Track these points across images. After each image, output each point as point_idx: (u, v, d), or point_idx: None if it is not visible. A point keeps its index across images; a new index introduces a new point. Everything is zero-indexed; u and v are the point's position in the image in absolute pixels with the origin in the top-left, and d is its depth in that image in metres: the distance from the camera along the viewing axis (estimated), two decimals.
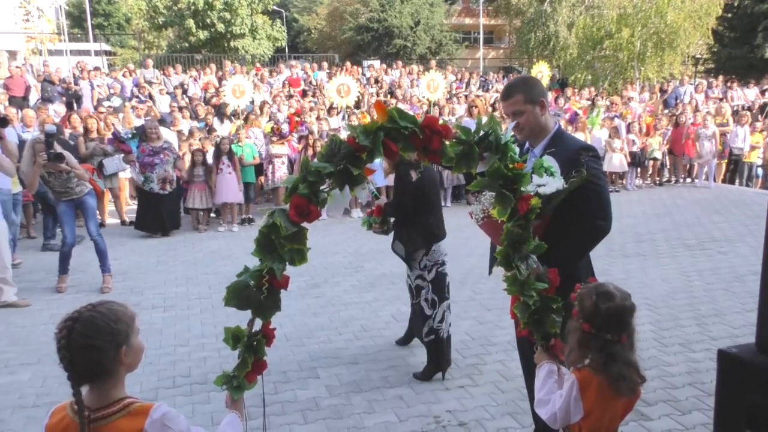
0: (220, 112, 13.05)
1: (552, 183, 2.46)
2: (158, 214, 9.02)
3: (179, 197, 9.58)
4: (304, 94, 16.10)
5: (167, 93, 15.21)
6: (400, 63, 20.83)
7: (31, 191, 6.69)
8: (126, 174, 10.21)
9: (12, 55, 28.47)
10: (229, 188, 9.48)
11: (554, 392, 2.12)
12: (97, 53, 30.04)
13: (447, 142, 1.99)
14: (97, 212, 7.77)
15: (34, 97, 14.42)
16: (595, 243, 2.75)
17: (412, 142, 1.95)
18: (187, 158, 9.75)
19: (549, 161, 2.51)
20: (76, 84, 15.15)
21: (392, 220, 4.36)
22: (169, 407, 1.76)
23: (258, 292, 1.92)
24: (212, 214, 10.08)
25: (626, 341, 2.07)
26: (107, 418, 1.70)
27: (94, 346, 1.68)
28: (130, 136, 9.20)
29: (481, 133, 2.05)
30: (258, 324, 2.01)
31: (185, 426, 1.76)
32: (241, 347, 1.98)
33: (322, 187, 1.93)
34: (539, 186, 2.38)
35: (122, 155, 9.37)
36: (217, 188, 9.45)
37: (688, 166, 13.34)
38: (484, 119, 2.12)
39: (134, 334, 1.78)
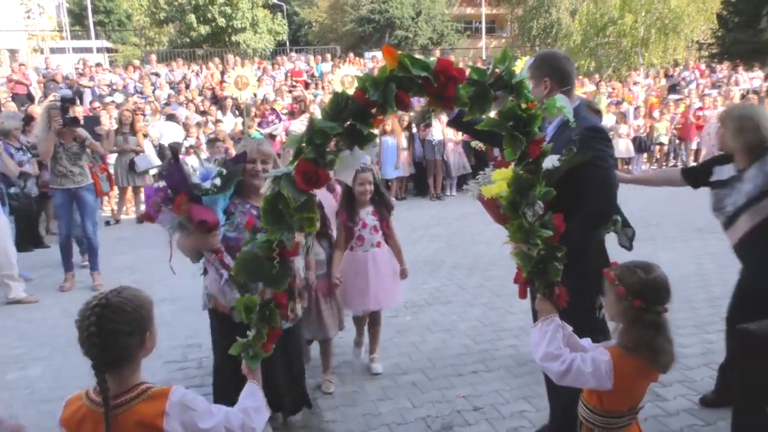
0: (221, 105, 13.00)
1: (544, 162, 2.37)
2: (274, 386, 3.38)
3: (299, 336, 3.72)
4: (306, 85, 16.05)
5: (171, 88, 15.17)
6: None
7: (45, 159, 6.42)
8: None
9: (13, 53, 28.45)
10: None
11: (562, 346, 2.03)
12: (99, 50, 29.95)
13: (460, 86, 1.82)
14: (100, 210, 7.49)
15: (36, 94, 14.40)
16: (595, 225, 2.75)
17: (425, 89, 1.77)
18: None
19: (562, 101, 2.42)
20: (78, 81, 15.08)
21: None
22: (185, 389, 1.74)
23: (269, 264, 1.82)
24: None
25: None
26: (126, 404, 1.68)
27: (125, 332, 1.68)
28: (215, 182, 2.90)
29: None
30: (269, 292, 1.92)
31: (205, 405, 1.75)
32: (254, 317, 1.90)
33: (328, 149, 1.76)
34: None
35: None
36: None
37: (695, 151, 13.26)
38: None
39: (154, 320, 1.80)
